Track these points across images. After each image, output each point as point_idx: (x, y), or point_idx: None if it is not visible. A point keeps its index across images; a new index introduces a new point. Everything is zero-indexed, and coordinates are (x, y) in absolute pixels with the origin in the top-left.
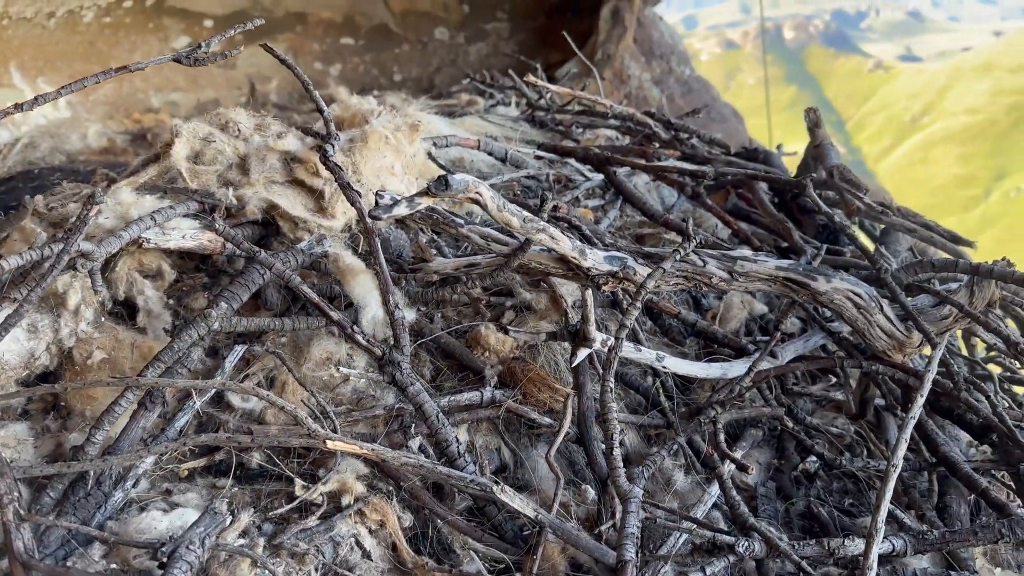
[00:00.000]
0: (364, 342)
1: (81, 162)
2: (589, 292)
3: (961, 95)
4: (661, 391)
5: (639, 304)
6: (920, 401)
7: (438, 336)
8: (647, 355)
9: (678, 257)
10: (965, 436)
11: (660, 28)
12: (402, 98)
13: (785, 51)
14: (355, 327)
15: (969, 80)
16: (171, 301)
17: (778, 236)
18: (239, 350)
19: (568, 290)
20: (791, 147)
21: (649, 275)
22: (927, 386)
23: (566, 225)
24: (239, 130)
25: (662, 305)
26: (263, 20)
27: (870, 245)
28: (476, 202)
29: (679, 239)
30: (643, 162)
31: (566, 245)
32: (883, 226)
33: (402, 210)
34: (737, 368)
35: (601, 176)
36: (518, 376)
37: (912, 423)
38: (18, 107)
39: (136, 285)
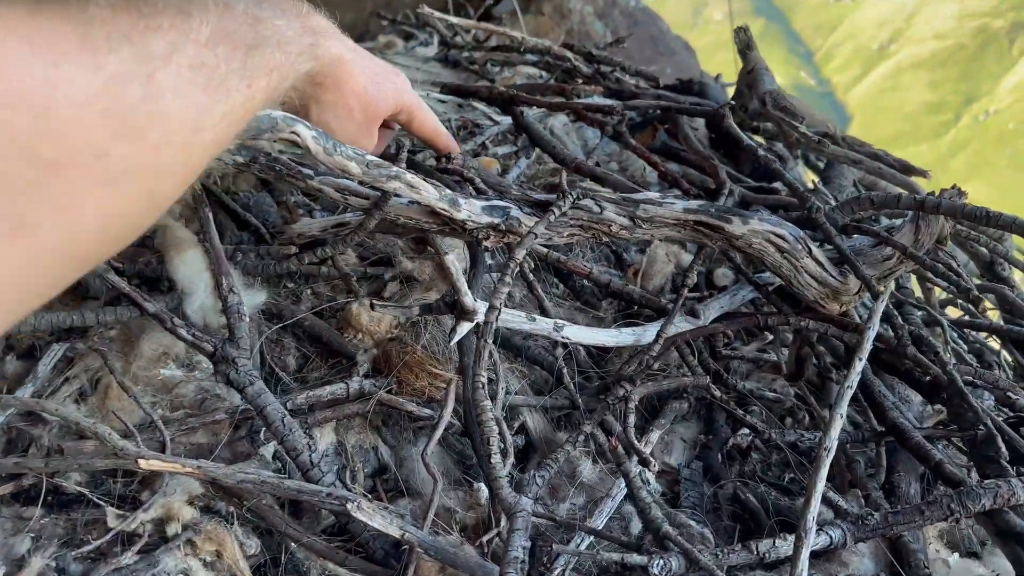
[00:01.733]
0: (189, 336)
1: None
2: (451, 257)
3: (928, 20)
4: (564, 366)
5: (517, 261)
6: (859, 366)
7: (302, 318)
8: (541, 324)
9: (564, 206)
10: (918, 396)
11: None
12: None
13: None
14: (175, 320)
15: (936, 4)
16: None
17: (704, 175)
18: (57, 349)
19: (456, 257)
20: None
21: (532, 227)
22: (867, 346)
23: (458, 179)
24: None
25: (571, 264)
26: None
27: (813, 181)
28: (295, 144)
29: (600, 189)
30: (549, 100)
31: (430, 194)
32: (826, 159)
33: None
34: (652, 331)
35: (510, 119)
36: (394, 361)
37: (848, 395)
38: None
39: None
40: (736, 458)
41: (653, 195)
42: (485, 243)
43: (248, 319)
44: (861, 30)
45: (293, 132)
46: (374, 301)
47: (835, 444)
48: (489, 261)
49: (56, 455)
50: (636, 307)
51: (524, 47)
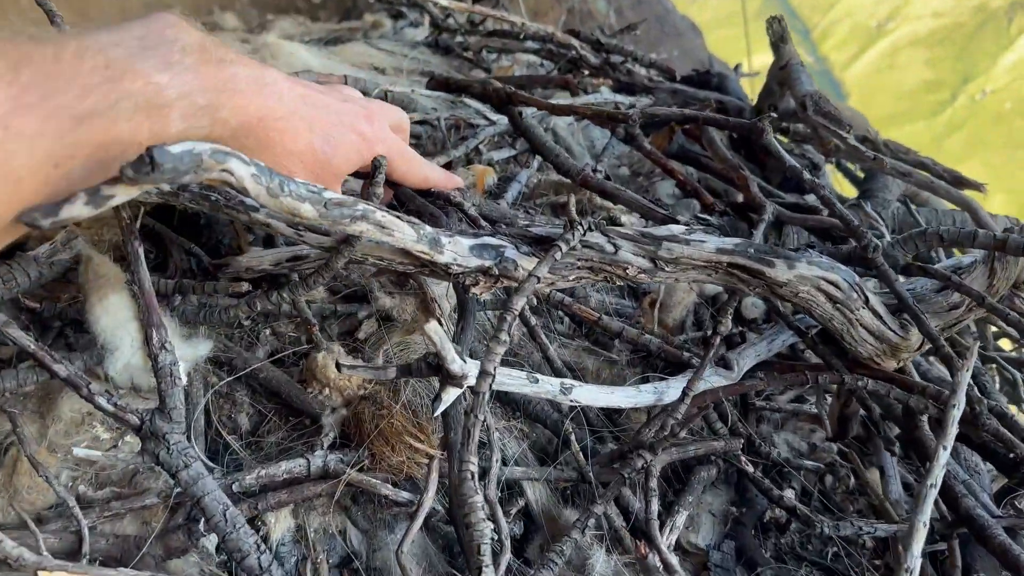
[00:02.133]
0: (109, 407)
1: None
2: (432, 324)
3: None
4: (572, 431)
5: (514, 313)
6: (943, 458)
7: (257, 369)
8: (546, 386)
9: (571, 241)
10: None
11: None
12: (298, 22)
13: None
14: (92, 387)
15: None
16: None
17: (733, 186)
18: None
19: (448, 288)
20: (762, 58)
21: (531, 272)
22: (952, 431)
23: (442, 203)
24: None
25: (577, 308)
26: None
27: (848, 190)
28: (228, 184)
29: (611, 205)
30: (552, 103)
31: (406, 235)
32: (866, 169)
33: (77, 209)
34: (676, 388)
35: (507, 119)
36: (366, 426)
37: (931, 498)
38: None
39: None
40: (772, 533)
41: (678, 229)
42: (473, 289)
43: (185, 380)
44: (859, 7)
45: (225, 170)
46: (341, 361)
47: (918, 562)
48: (486, 296)
49: None
50: (650, 356)
51: (524, 33)
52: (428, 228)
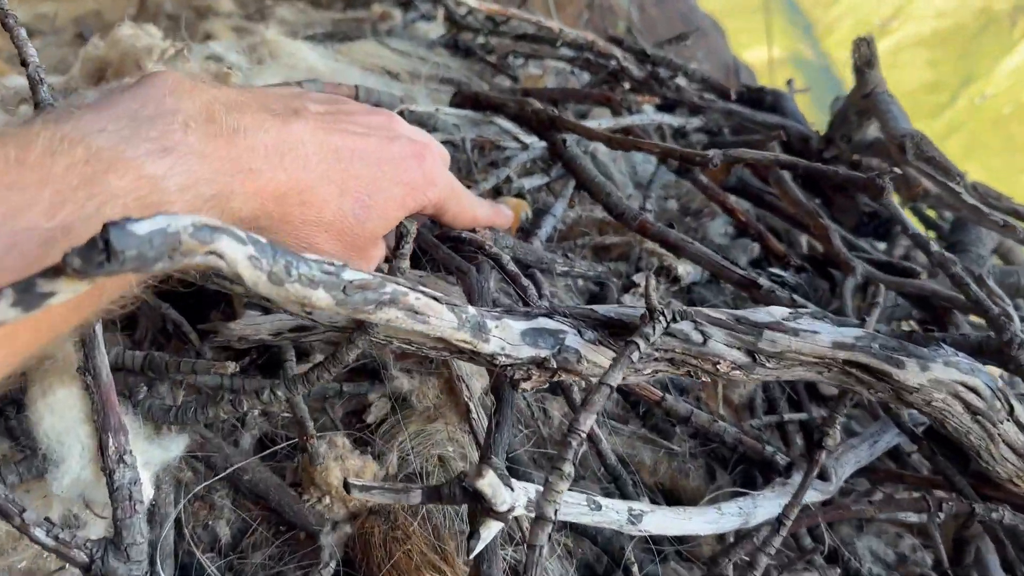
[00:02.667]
0: (49, 542)
1: None
2: (489, 477)
3: None
4: (632, 560)
5: (582, 437)
6: None
7: (241, 468)
8: (612, 514)
9: (643, 345)
10: None
11: None
12: (298, 9)
13: None
14: (26, 515)
15: None
16: None
17: (806, 233)
18: None
19: (476, 367)
20: (753, 53)
21: (592, 393)
22: None
23: (473, 250)
24: None
25: (637, 389)
26: None
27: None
28: (216, 270)
29: (667, 253)
30: (609, 134)
31: (444, 321)
32: (955, 218)
33: (5, 312)
34: (766, 507)
35: (543, 143)
36: (376, 552)
37: None
38: None
39: None
40: None
41: (780, 312)
42: (524, 385)
43: (151, 492)
44: (863, 4)
45: (212, 252)
46: (350, 481)
47: None
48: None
49: None
50: (724, 448)
51: (562, 40)
52: (471, 310)
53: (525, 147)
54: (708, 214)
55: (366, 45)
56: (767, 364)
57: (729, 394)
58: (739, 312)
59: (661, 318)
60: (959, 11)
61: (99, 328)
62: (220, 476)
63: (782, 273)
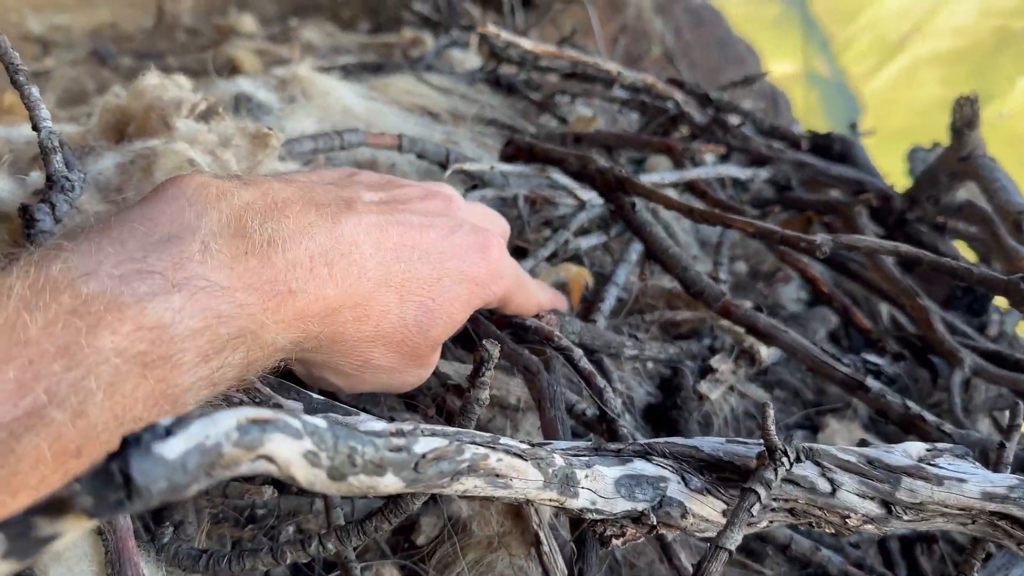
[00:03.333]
0: None
1: None
2: None
3: (949, 15)
4: None
5: None
6: None
7: None
8: None
9: (764, 494)
10: None
11: None
12: (326, 32)
13: None
14: None
15: None
16: None
17: (901, 312)
18: None
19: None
20: (779, 66)
21: (709, 559)
22: None
23: (539, 340)
24: None
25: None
26: None
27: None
28: (269, 474)
29: (742, 331)
30: (690, 206)
31: (529, 482)
32: None
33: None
34: None
35: (602, 201)
36: None
37: None
38: None
39: None
40: None
41: (918, 451)
42: (615, 542)
43: None
44: (881, 20)
45: (262, 457)
46: None
47: None
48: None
49: None
50: None
51: (621, 82)
52: (558, 461)
53: (582, 205)
54: (781, 278)
55: (403, 81)
56: (903, 516)
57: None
58: (871, 452)
59: (784, 459)
60: (977, 29)
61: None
62: None
63: (878, 361)
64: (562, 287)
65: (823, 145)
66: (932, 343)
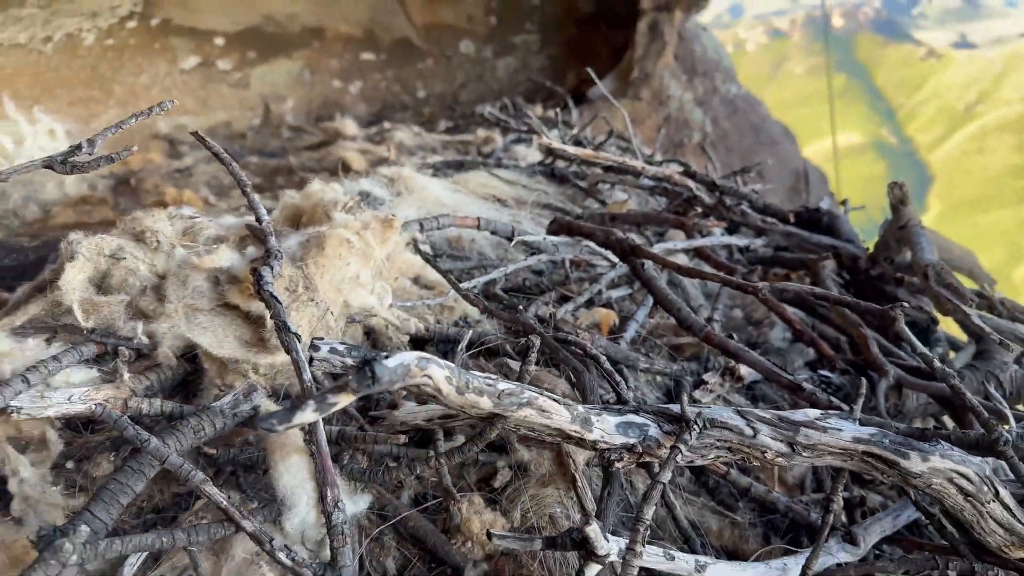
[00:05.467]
0: (288, 562)
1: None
2: (593, 527)
3: (1017, 83)
4: None
5: (651, 505)
6: None
7: (406, 517)
8: (682, 564)
9: (683, 449)
10: None
11: (703, 42)
12: (414, 132)
13: (834, 39)
14: (274, 542)
15: None
16: (68, 464)
17: (851, 341)
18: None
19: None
20: (845, 137)
21: (667, 459)
22: None
23: (581, 353)
24: (158, 241)
25: (708, 463)
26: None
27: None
28: (424, 390)
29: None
30: (676, 262)
31: (563, 417)
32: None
33: (307, 416)
34: (800, 564)
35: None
36: None
37: None
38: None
39: (9, 462)
40: None
41: (814, 413)
42: (617, 464)
43: (351, 537)
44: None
45: (426, 375)
46: (491, 531)
47: None
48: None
49: None
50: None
51: (646, 174)
52: (580, 408)
53: (613, 265)
54: (768, 323)
55: (478, 176)
56: (803, 454)
57: (784, 475)
58: (782, 412)
59: (695, 426)
60: None
61: (320, 423)
62: (391, 522)
63: (829, 375)
64: (595, 326)
65: (814, 218)
66: (868, 362)
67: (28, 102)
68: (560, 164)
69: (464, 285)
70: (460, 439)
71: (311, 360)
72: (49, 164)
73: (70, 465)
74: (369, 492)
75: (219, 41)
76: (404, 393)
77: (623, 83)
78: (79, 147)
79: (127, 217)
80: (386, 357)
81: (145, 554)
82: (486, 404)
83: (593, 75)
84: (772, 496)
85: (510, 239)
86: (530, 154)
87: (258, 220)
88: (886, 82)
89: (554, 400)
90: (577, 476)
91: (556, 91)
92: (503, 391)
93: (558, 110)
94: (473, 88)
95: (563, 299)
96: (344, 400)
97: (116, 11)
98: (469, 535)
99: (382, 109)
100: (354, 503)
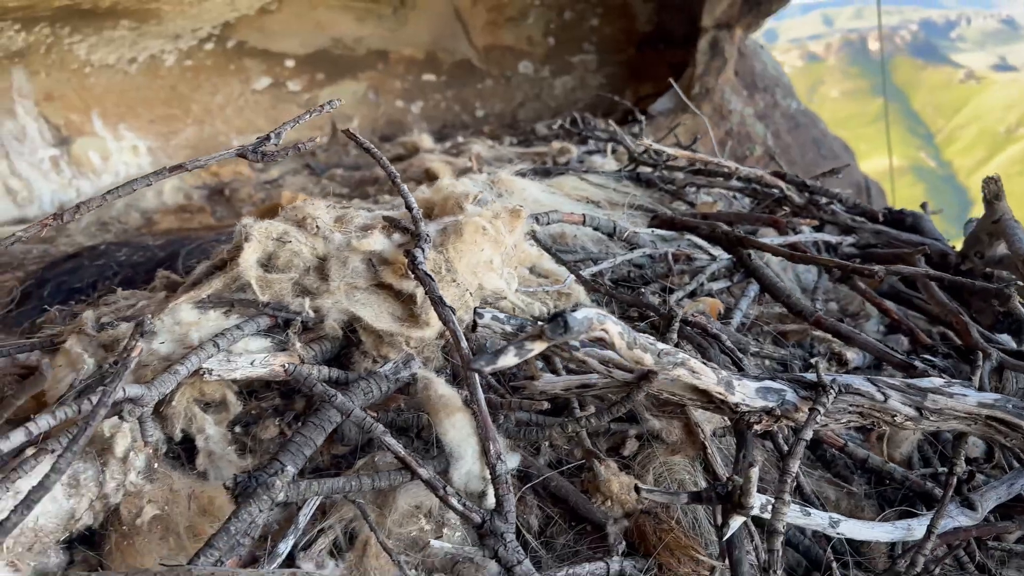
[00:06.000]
0: (460, 507)
1: (155, 226)
2: (755, 471)
3: None
4: (833, 561)
5: (796, 459)
6: None
7: (548, 478)
8: (818, 519)
9: (821, 411)
10: None
11: (763, 59)
12: (488, 145)
13: (870, 63)
14: (448, 488)
15: None
16: (237, 429)
17: (949, 329)
18: (314, 500)
19: (705, 415)
20: (869, 164)
21: (807, 421)
22: None
23: (700, 332)
24: (317, 227)
25: (825, 435)
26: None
27: None
28: (601, 341)
29: (831, 339)
30: (786, 250)
31: (709, 379)
32: None
33: (509, 359)
34: (924, 525)
35: (728, 256)
36: (650, 538)
37: None
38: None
39: (196, 421)
40: None
41: (939, 381)
42: (756, 427)
43: (512, 487)
44: (987, 112)
45: (603, 329)
46: (639, 485)
47: None
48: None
49: None
50: (891, 484)
51: (737, 175)
52: (724, 372)
53: (714, 259)
54: (864, 316)
55: (569, 180)
56: (930, 418)
57: (892, 452)
58: (909, 380)
59: (832, 391)
60: None
61: (479, 379)
62: (535, 482)
63: (932, 359)
64: (702, 313)
65: (897, 219)
66: (970, 346)
67: (114, 120)
68: (644, 169)
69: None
70: (590, 410)
71: (475, 326)
72: (243, 153)
73: (238, 429)
74: (519, 453)
75: (290, 63)
76: (540, 365)
77: (684, 100)
78: (267, 138)
79: (288, 206)
80: (573, 310)
81: (316, 505)
82: (649, 360)
83: (673, 84)
84: (889, 467)
85: (612, 235)
86: (606, 164)
87: (408, 208)
88: (924, 105)
89: (702, 363)
90: (707, 443)
91: (616, 107)
92: (662, 351)
93: (632, 119)
94: (531, 107)
95: (664, 291)
96: (538, 347)
97: (196, 33)
98: (609, 494)
99: (442, 128)
100: (510, 459)
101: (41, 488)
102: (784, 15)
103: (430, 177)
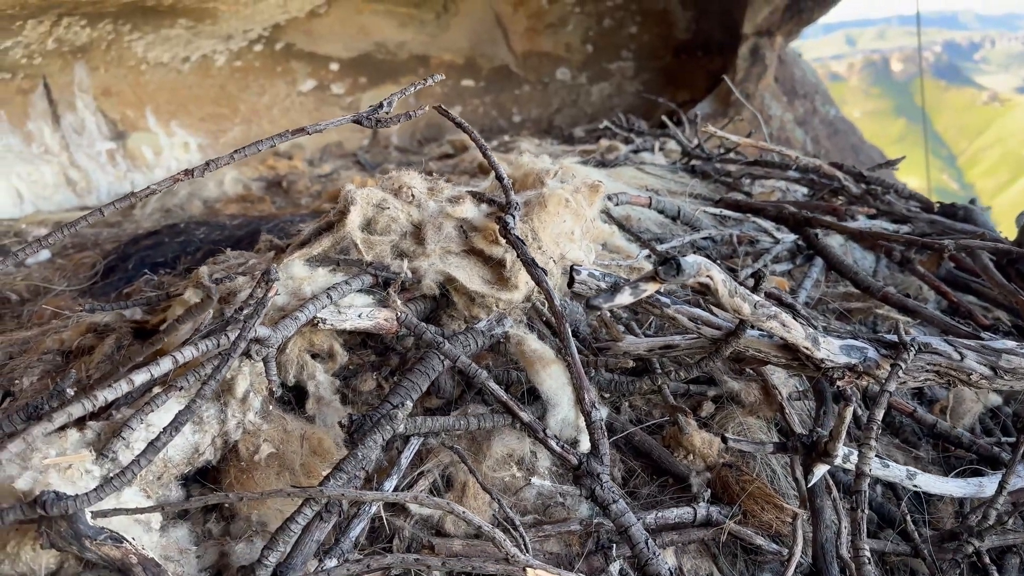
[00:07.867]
0: (559, 449)
1: (220, 213)
2: (850, 410)
3: None
4: (907, 515)
5: (881, 408)
6: None
7: (631, 433)
8: (896, 471)
9: (903, 366)
10: None
11: (802, 66)
12: (535, 144)
13: (893, 84)
14: (547, 431)
15: None
16: (337, 382)
17: (1008, 312)
18: (415, 444)
19: (780, 378)
20: (905, 181)
21: (891, 373)
22: None
23: (775, 302)
24: (413, 195)
25: (894, 402)
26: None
27: None
28: (705, 288)
29: (897, 315)
30: (859, 228)
31: (798, 334)
32: None
33: (625, 298)
34: (994, 484)
35: (792, 237)
36: (733, 488)
37: None
38: (188, 173)
39: (307, 369)
40: None
41: (1012, 343)
42: (839, 383)
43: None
44: (1010, 135)
45: (708, 275)
46: (726, 435)
47: None
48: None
49: (426, 551)
50: (956, 448)
51: (796, 165)
52: (810, 329)
53: (777, 241)
54: (921, 299)
55: (627, 170)
56: (1004, 376)
57: (955, 423)
58: (984, 341)
59: (912, 348)
60: None
61: (569, 328)
62: (620, 436)
63: (995, 336)
64: (774, 287)
65: (949, 212)
66: None
67: (166, 116)
68: (697, 162)
69: (645, 253)
70: (670, 370)
71: (572, 281)
72: (358, 120)
73: (338, 382)
74: (606, 407)
75: (334, 66)
76: (622, 329)
77: (723, 104)
78: (380, 106)
79: (383, 176)
80: (681, 251)
81: (416, 449)
82: (746, 310)
83: (729, 82)
84: (956, 432)
85: (675, 218)
86: (656, 160)
87: (499, 178)
88: (947, 127)
89: (794, 317)
90: (785, 404)
91: (652, 114)
92: (757, 302)
93: (676, 121)
94: (567, 112)
95: (729, 270)
96: (652, 288)
97: (247, 34)
98: (691, 448)
99: (480, 132)
100: (600, 411)
101: (188, 411)
102: (807, 35)
103: (483, 171)
